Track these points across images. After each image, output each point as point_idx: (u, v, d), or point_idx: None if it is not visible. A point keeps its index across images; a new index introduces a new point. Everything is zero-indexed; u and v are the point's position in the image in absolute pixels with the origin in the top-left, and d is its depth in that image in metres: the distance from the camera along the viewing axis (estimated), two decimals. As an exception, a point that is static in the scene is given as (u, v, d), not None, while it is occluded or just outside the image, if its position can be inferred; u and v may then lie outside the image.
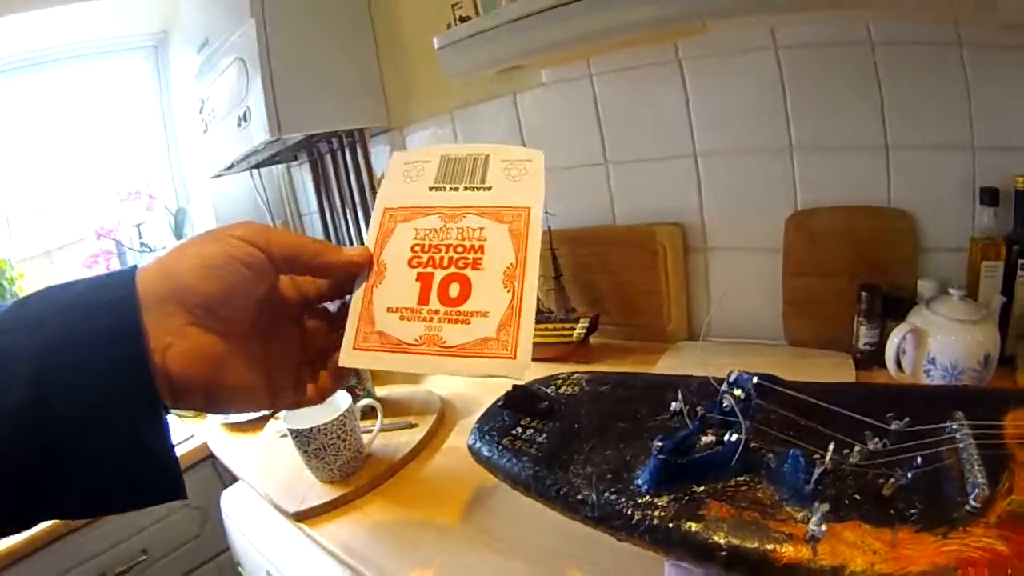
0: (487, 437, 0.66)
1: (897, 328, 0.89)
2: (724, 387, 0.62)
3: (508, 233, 0.45)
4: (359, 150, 1.27)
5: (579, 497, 0.57)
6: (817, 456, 0.53)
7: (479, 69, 1.00)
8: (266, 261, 0.40)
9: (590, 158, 1.11)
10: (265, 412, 0.94)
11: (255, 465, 0.98)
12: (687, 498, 0.53)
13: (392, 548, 0.75)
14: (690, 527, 0.51)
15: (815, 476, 0.51)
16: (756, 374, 0.64)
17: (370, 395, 0.95)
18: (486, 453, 0.65)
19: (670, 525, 0.52)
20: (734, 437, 0.55)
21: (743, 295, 1.09)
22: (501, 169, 0.49)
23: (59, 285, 0.37)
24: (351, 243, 1.32)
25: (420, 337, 0.42)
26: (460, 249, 0.45)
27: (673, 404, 0.62)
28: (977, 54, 0.90)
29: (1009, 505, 0.51)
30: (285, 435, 0.89)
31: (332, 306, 0.47)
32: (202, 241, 0.39)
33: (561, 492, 0.58)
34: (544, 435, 0.64)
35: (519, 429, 0.66)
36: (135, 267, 0.38)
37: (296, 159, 1.37)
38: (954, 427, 0.59)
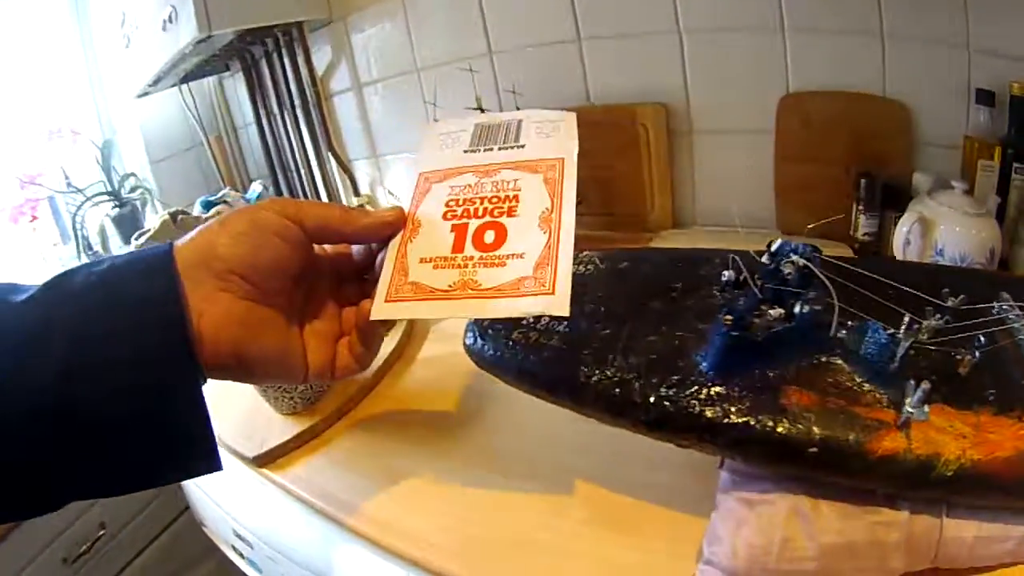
0: (490, 333, 0.55)
1: (905, 216, 0.87)
2: (767, 258, 0.53)
3: (543, 182, 0.45)
4: (298, 48, 1.11)
5: (630, 396, 0.47)
6: (893, 332, 0.46)
7: None
8: (298, 231, 0.40)
9: (562, 34, 1.01)
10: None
11: (208, 405, 0.83)
12: (761, 386, 0.46)
13: (374, 484, 0.63)
14: (775, 423, 0.44)
15: (900, 353, 0.45)
16: (804, 244, 0.55)
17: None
18: (492, 353, 0.54)
19: (750, 422, 0.44)
20: (805, 308, 0.46)
21: (731, 181, 1.03)
22: (534, 130, 0.49)
23: (97, 260, 0.37)
24: (292, 151, 1.19)
25: (454, 283, 0.41)
26: (495, 200, 0.45)
27: (725, 273, 0.52)
28: None
29: None
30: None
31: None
32: (233, 216, 0.39)
33: (605, 392, 0.48)
34: (564, 324, 0.53)
35: (530, 319, 0.54)
36: (172, 242, 0.38)
37: (228, 69, 1.22)
38: (1005, 307, 0.55)
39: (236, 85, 1.22)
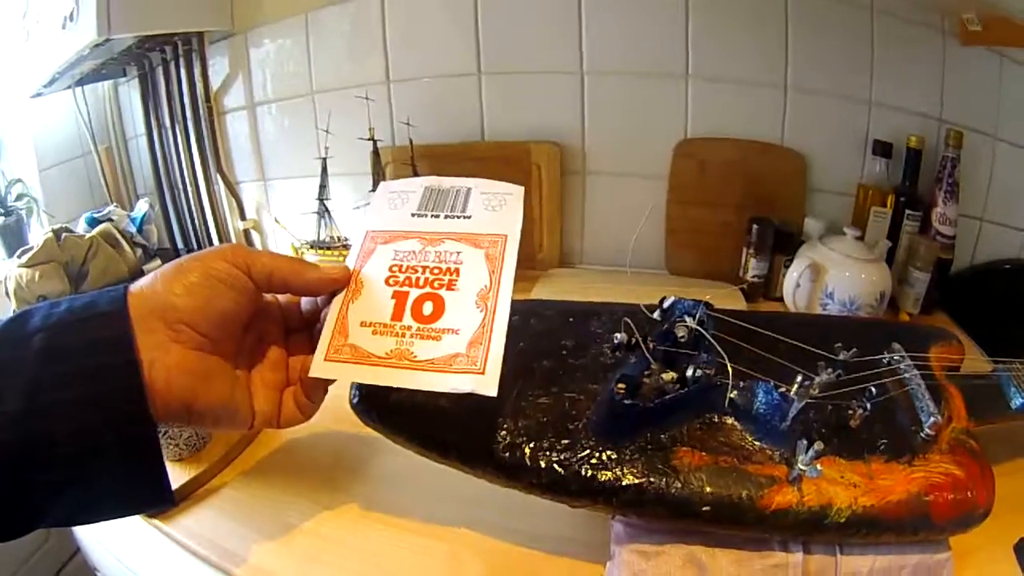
0: (374, 390, 0.51)
1: (796, 261, 0.92)
2: (659, 315, 0.54)
3: (484, 258, 0.45)
4: (195, 60, 1.04)
5: (519, 461, 0.46)
6: (785, 390, 0.48)
7: None
8: (246, 280, 0.41)
9: (462, 67, 0.99)
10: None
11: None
12: (653, 448, 0.46)
13: (262, 536, 0.58)
14: (666, 483, 0.45)
15: (791, 411, 0.47)
16: (696, 301, 0.56)
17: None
18: (378, 414, 0.50)
19: (642, 483, 0.44)
20: (698, 372, 0.47)
21: (622, 222, 1.02)
22: (481, 201, 0.49)
23: (54, 301, 0.38)
24: (181, 169, 1.12)
25: (390, 351, 0.42)
26: (436, 271, 0.45)
27: (617, 336, 0.52)
28: (888, 21, 0.93)
29: (952, 433, 0.53)
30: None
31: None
32: (185, 264, 0.40)
33: (494, 457, 0.46)
34: None
35: None
36: (127, 285, 0.39)
37: (125, 74, 1.14)
38: (896, 358, 0.60)
39: (131, 92, 1.14)
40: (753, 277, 0.99)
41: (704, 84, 0.96)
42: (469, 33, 0.96)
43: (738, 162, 0.98)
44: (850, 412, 0.49)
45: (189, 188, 1.10)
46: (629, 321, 0.51)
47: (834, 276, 0.89)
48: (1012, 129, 1.00)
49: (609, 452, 0.45)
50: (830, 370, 0.50)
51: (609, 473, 0.44)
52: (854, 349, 0.56)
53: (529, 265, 1.05)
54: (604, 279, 1.03)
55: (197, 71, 1.04)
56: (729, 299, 0.93)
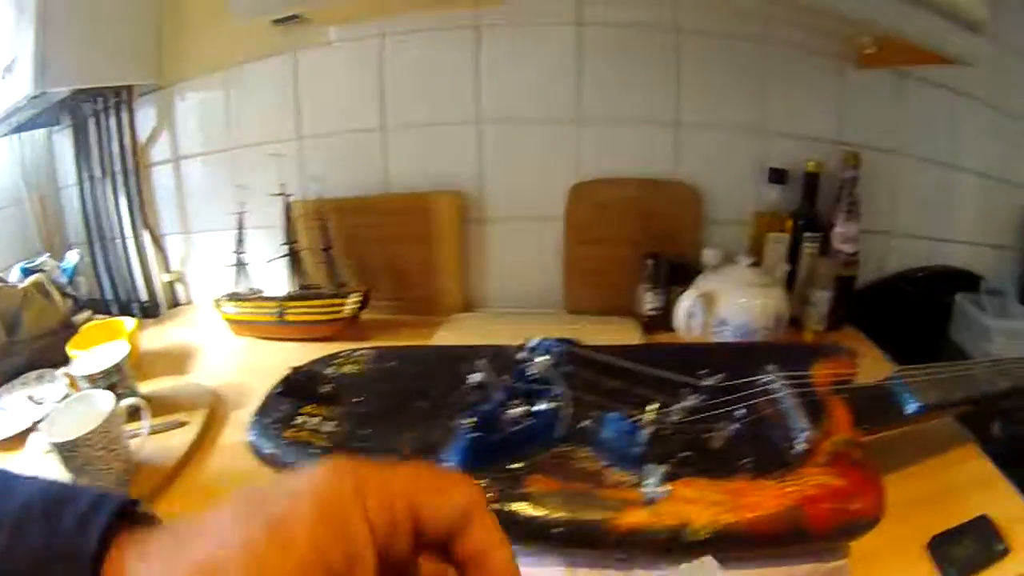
0: (268, 430, 0.60)
1: (687, 292, 0.93)
2: (525, 354, 0.60)
3: None
4: (124, 112, 1.10)
5: None
6: (637, 418, 0.53)
7: (268, 9, 0.92)
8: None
9: (366, 123, 1.06)
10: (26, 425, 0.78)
11: None
12: (505, 476, 0.51)
13: None
14: (518, 507, 0.49)
15: (641, 438, 0.52)
16: (557, 339, 0.63)
17: (134, 393, 0.82)
18: (269, 449, 0.59)
19: (495, 508, 0.47)
20: (545, 406, 0.53)
21: (521, 265, 1.10)
22: None
23: (46, 485, 0.27)
24: (110, 220, 1.17)
25: None
26: None
27: (473, 376, 0.59)
28: (780, 52, 0.99)
29: (833, 445, 0.55)
30: (50, 450, 0.74)
31: None
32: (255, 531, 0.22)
33: None
34: (333, 422, 0.58)
35: (302, 418, 0.59)
36: (110, 518, 0.25)
37: (59, 122, 1.18)
38: (769, 379, 0.63)
39: (64, 140, 1.18)
40: (650, 310, 1.02)
41: (596, 127, 1.02)
42: (374, 90, 1.03)
43: (632, 200, 1.03)
44: (711, 435, 0.54)
45: (117, 239, 1.15)
46: (486, 361, 0.58)
47: (725, 304, 0.92)
48: (916, 144, 1.06)
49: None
50: (694, 395, 0.56)
51: None
52: (721, 374, 0.61)
53: (433, 310, 1.09)
54: (506, 321, 1.07)
55: (126, 123, 1.10)
56: (627, 332, 1.00)
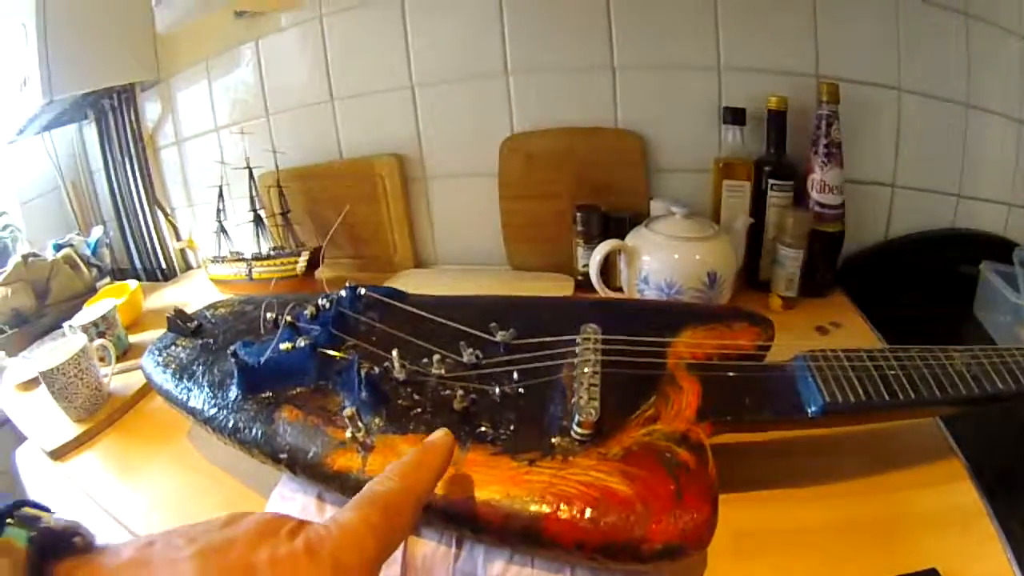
0: (152, 355, 0.71)
1: (600, 246, 0.89)
2: (326, 300, 0.66)
3: None
4: (132, 105, 1.30)
5: (192, 404, 0.62)
6: (387, 365, 0.54)
7: (188, 16, 1.06)
8: None
9: (318, 96, 1.15)
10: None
11: (33, 415, 1.02)
12: (268, 403, 0.57)
13: (126, 483, 0.77)
14: (265, 429, 0.54)
15: (363, 383, 0.53)
16: (376, 287, 0.69)
17: (120, 340, 1.00)
18: (145, 365, 0.70)
19: (246, 428, 0.55)
20: (302, 343, 0.59)
21: (465, 222, 1.15)
22: None
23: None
24: (131, 198, 1.37)
25: None
26: None
27: (268, 315, 0.66)
28: None
29: (648, 436, 0.46)
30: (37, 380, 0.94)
31: None
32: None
33: (183, 400, 0.63)
34: (187, 351, 0.69)
35: (173, 347, 0.70)
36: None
37: (87, 117, 1.39)
38: (578, 341, 0.57)
39: (91, 133, 1.39)
40: (584, 266, 0.97)
41: (526, 77, 1.03)
42: (321, 67, 1.13)
43: (566, 151, 1.02)
44: (457, 395, 0.51)
45: (138, 215, 1.35)
46: (274, 303, 0.66)
47: (648, 260, 0.86)
48: (921, 79, 0.94)
49: (242, 403, 0.58)
50: (471, 351, 0.56)
51: (231, 418, 0.58)
52: (512, 330, 0.58)
53: (388, 267, 1.20)
54: (446, 277, 1.15)
55: (133, 115, 1.29)
56: (559, 289, 1.01)
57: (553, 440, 0.47)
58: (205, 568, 0.28)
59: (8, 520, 0.29)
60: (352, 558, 0.31)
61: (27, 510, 0.30)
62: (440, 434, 0.42)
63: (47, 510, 0.31)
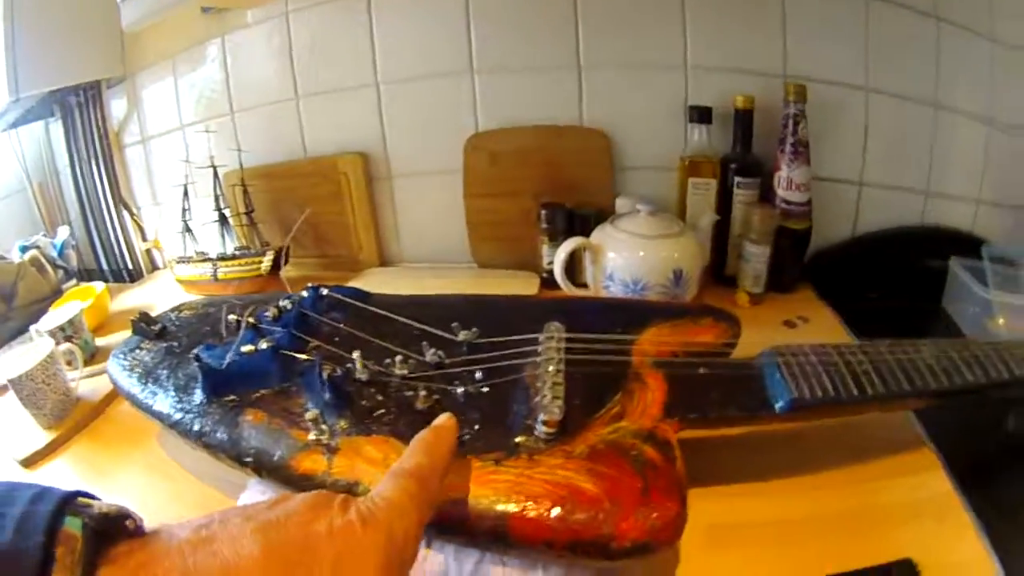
0: (118, 358, 0.72)
1: (564, 244, 0.91)
2: (287, 301, 0.67)
3: None
4: (99, 102, 1.29)
5: (157, 408, 0.62)
6: (350, 366, 0.55)
7: (148, 17, 1.07)
8: None
9: (283, 94, 1.16)
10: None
11: (2, 423, 1.01)
12: (232, 406, 0.57)
13: (98, 489, 0.77)
14: (228, 433, 0.54)
15: (325, 385, 0.53)
16: (338, 288, 0.70)
17: (86, 342, 1.01)
18: (111, 369, 0.71)
19: (211, 431, 0.56)
20: (264, 345, 0.59)
21: (430, 220, 1.16)
22: None
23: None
24: (97, 197, 1.36)
25: None
26: None
27: (231, 317, 0.67)
28: None
29: (614, 433, 0.47)
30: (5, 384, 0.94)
31: None
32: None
33: (149, 404, 0.63)
34: (151, 354, 0.69)
35: (138, 351, 0.71)
36: (52, 512, 0.29)
37: (53, 114, 1.38)
38: (541, 339, 0.57)
39: (58, 130, 1.37)
40: (549, 264, 0.98)
41: (491, 76, 1.04)
42: (285, 64, 1.14)
43: (531, 150, 1.03)
44: (420, 395, 0.52)
45: (104, 214, 1.35)
46: (236, 305, 0.67)
47: (612, 258, 0.88)
48: (888, 79, 0.96)
49: (208, 408, 0.58)
50: (434, 351, 0.56)
51: (196, 424, 0.58)
52: (474, 329, 0.59)
53: (353, 267, 1.20)
54: (411, 276, 1.16)
55: (98, 112, 1.28)
56: (524, 287, 1.02)
57: (518, 439, 0.47)
58: (267, 542, 0.30)
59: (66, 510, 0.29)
60: (400, 527, 0.34)
61: (80, 500, 0.31)
62: (445, 416, 0.44)
63: (95, 498, 0.32)
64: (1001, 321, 0.84)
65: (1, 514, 0.28)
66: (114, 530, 0.31)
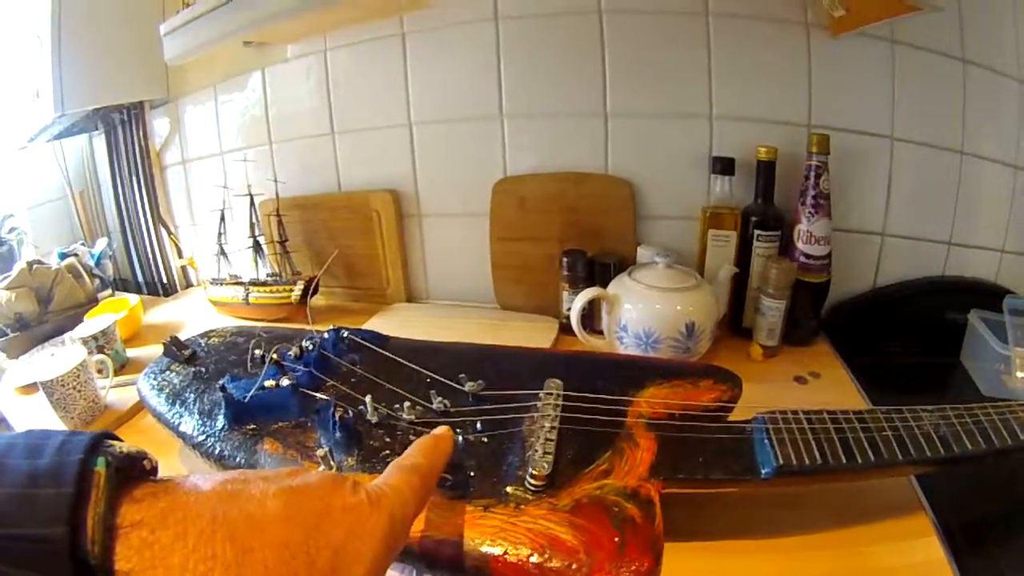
0: (148, 378, 0.78)
1: (580, 295, 0.93)
2: (309, 342, 0.73)
3: None
4: (141, 121, 1.39)
5: (182, 429, 0.69)
6: (362, 408, 0.61)
7: (191, 53, 1.12)
8: None
9: (319, 128, 1.23)
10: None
11: (31, 422, 1.06)
12: (251, 435, 0.64)
13: None
14: (244, 459, 0.61)
15: (336, 426, 0.59)
16: (358, 331, 0.76)
17: (118, 353, 1.10)
18: (140, 387, 0.77)
19: (230, 456, 0.63)
20: (285, 382, 0.66)
21: (457, 260, 1.20)
22: None
23: (36, 442, 0.32)
24: (136, 213, 1.46)
25: None
26: None
27: (256, 352, 0.73)
28: (730, 24, 0.96)
29: (599, 489, 0.51)
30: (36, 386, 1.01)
31: None
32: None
33: (175, 424, 0.70)
34: (180, 377, 0.76)
35: (168, 372, 0.77)
36: (89, 443, 0.32)
37: (97, 128, 1.48)
38: (540, 395, 0.62)
39: (101, 144, 1.48)
40: (569, 310, 0.98)
41: (520, 121, 1.09)
42: (323, 99, 1.21)
43: (556, 196, 1.07)
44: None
45: (143, 229, 1.44)
46: (262, 341, 0.74)
47: (628, 309, 0.90)
48: (913, 127, 0.96)
49: (228, 433, 0.65)
50: (440, 399, 0.63)
51: (216, 445, 0.64)
52: (480, 381, 0.64)
53: (381, 300, 1.27)
54: (438, 313, 1.21)
55: (141, 132, 1.37)
56: (542, 332, 1.06)
57: (508, 489, 0.52)
58: (289, 504, 0.33)
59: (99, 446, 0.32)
60: (400, 513, 0.38)
61: (107, 441, 0.34)
62: (444, 428, 0.50)
63: (117, 439, 0.35)
64: (1020, 375, 0.84)
65: (41, 445, 0.31)
66: (135, 470, 0.34)
